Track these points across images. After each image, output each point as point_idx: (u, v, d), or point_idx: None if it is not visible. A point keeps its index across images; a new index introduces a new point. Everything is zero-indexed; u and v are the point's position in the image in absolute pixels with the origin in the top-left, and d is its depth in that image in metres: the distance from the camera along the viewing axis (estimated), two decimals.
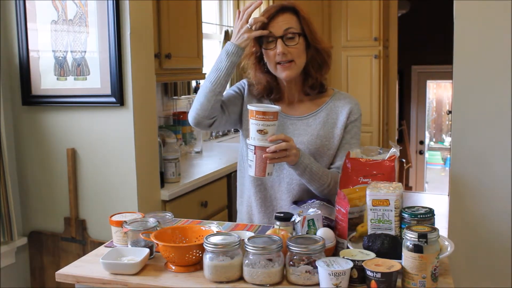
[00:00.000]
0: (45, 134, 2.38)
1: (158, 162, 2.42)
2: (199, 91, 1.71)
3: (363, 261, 1.20)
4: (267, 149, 1.53)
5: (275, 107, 1.55)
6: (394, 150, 1.55)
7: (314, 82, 1.74)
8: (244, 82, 1.84)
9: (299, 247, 1.24)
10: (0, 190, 2.26)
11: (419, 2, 7.01)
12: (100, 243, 2.01)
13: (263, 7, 4.14)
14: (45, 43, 2.31)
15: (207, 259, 1.28)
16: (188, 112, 1.77)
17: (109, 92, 2.21)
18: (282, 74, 1.68)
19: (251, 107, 1.53)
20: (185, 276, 1.32)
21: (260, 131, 1.52)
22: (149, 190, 2.34)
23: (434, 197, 7.07)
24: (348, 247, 1.36)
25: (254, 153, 1.54)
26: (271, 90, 1.76)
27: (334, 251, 1.37)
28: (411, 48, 7.13)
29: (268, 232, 1.39)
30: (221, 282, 1.27)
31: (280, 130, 1.71)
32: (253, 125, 1.53)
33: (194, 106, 1.71)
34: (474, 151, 2.00)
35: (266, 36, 1.66)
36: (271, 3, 4.17)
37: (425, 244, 1.18)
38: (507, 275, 1.99)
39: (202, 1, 3.10)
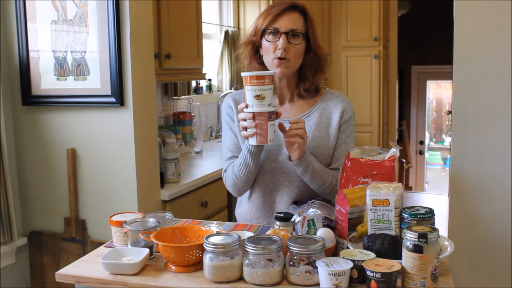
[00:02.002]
0: (45, 134, 2.38)
1: (158, 162, 2.42)
2: (233, 179, 1.74)
3: (363, 261, 1.20)
4: (290, 120, 1.56)
5: (270, 71, 1.54)
6: (394, 150, 1.55)
7: (310, 85, 1.74)
8: (227, 107, 1.82)
9: (299, 247, 1.24)
10: (0, 190, 2.26)
11: (419, 2, 7.01)
12: (100, 243, 2.01)
13: (264, 6, 4.15)
14: (45, 43, 2.31)
15: (207, 259, 1.28)
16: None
17: (109, 92, 2.21)
18: (276, 69, 1.68)
19: (245, 74, 1.52)
20: (185, 276, 1.32)
21: (257, 97, 1.50)
22: (149, 190, 2.34)
23: (434, 197, 7.07)
24: (348, 247, 1.36)
25: (254, 120, 1.52)
26: None
27: (334, 251, 1.37)
28: (411, 48, 7.14)
29: (268, 232, 1.39)
30: (221, 282, 1.27)
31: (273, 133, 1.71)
32: (249, 91, 1.51)
33: (234, 188, 1.77)
34: (474, 151, 2.00)
35: (269, 28, 1.67)
36: (270, 2, 4.17)
37: (425, 244, 1.18)
38: (507, 275, 1.99)
39: (202, 1, 3.10)
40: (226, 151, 1.81)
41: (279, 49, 1.64)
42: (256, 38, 1.72)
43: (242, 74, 1.53)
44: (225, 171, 1.80)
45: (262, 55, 1.73)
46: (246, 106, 1.54)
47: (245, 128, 1.56)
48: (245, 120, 1.54)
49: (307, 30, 1.69)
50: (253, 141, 1.55)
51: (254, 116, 1.52)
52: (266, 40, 1.68)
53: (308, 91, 1.75)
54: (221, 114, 1.89)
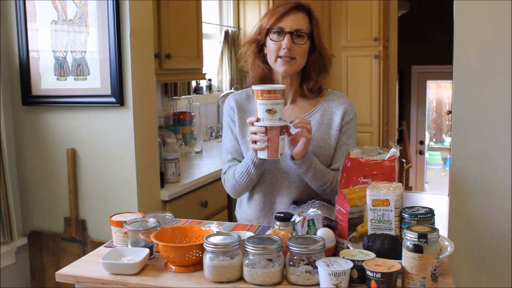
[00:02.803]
0: (45, 134, 2.38)
1: (158, 162, 2.42)
2: (233, 183, 1.74)
3: (363, 261, 1.20)
4: (293, 122, 1.54)
5: (281, 85, 1.53)
6: (394, 150, 1.55)
7: (314, 85, 1.74)
8: (229, 108, 1.82)
9: (299, 247, 1.24)
10: (0, 190, 2.26)
11: (419, 2, 7.01)
12: (100, 243, 2.01)
13: (265, 8, 4.15)
14: (45, 43, 2.31)
15: (207, 259, 1.28)
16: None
17: (109, 92, 2.21)
18: (281, 68, 1.68)
19: (257, 87, 1.51)
20: (185, 276, 1.32)
21: (268, 111, 1.50)
22: (149, 190, 2.34)
23: (434, 197, 7.07)
24: (348, 247, 1.36)
25: (266, 134, 1.51)
26: (265, 81, 1.77)
27: (334, 251, 1.37)
28: (411, 48, 7.13)
29: (268, 232, 1.39)
30: (221, 282, 1.27)
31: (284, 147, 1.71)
32: (261, 105, 1.51)
33: (233, 191, 1.78)
34: (474, 151, 2.00)
35: (274, 27, 1.67)
36: (271, 4, 4.17)
37: (425, 244, 1.18)
38: (507, 275, 1.99)
39: (202, 1, 3.10)
40: (225, 153, 1.82)
41: (283, 48, 1.65)
42: (260, 36, 1.72)
43: (254, 87, 1.53)
44: (225, 173, 1.80)
45: (266, 54, 1.73)
46: (257, 120, 1.53)
47: (255, 142, 1.55)
48: (255, 133, 1.54)
49: (311, 30, 1.70)
50: (263, 155, 1.54)
51: (266, 130, 1.51)
52: (271, 39, 1.69)
53: (312, 91, 1.75)
54: (221, 114, 1.88)
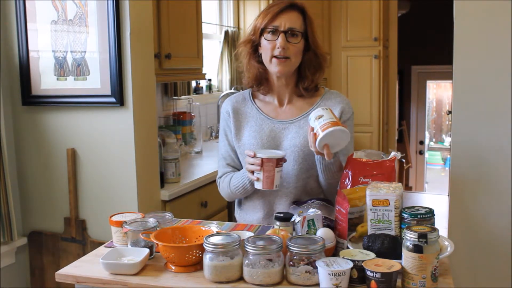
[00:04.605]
0: (45, 134, 2.38)
1: (158, 162, 2.42)
2: (227, 192, 1.79)
3: (363, 261, 1.20)
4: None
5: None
6: (395, 153, 1.56)
7: (309, 84, 1.74)
8: (225, 113, 1.83)
9: (299, 247, 1.24)
10: (0, 190, 2.26)
11: (419, 2, 7.01)
12: (100, 243, 2.01)
13: (264, 6, 4.15)
14: (45, 43, 2.30)
15: (207, 259, 1.28)
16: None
17: (109, 92, 2.21)
18: (275, 68, 1.68)
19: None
20: (185, 276, 1.32)
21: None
22: (149, 190, 2.34)
23: (434, 197, 7.07)
24: (348, 247, 1.36)
25: (262, 166, 1.54)
26: (260, 81, 1.77)
27: (334, 251, 1.37)
28: (411, 48, 7.13)
29: (268, 232, 1.39)
30: (221, 282, 1.27)
31: (273, 135, 1.72)
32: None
33: (228, 197, 1.83)
34: (474, 151, 2.00)
35: (268, 27, 1.67)
36: (270, 2, 4.17)
37: (425, 244, 1.18)
38: (507, 275, 1.99)
39: (202, 1, 3.10)
40: (220, 158, 1.85)
41: (278, 47, 1.65)
42: (255, 37, 1.72)
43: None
44: (220, 177, 1.82)
45: (261, 54, 1.73)
46: (254, 155, 1.56)
47: (252, 172, 1.58)
48: (252, 164, 1.57)
49: (305, 29, 1.70)
50: (258, 186, 1.57)
51: (262, 162, 1.53)
52: (265, 39, 1.68)
53: (308, 90, 1.75)
54: (221, 115, 1.89)
